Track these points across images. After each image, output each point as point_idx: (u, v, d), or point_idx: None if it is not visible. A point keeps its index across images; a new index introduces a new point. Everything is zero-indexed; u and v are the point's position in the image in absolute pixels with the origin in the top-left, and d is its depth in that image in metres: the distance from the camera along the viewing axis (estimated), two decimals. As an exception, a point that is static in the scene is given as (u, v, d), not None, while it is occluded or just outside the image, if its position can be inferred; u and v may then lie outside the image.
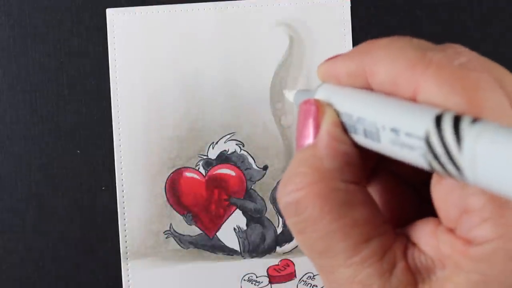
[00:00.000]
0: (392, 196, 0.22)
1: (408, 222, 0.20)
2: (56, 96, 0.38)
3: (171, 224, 0.38)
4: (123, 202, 0.37)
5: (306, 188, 0.19)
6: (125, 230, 0.37)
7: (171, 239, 0.38)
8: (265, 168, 0.38)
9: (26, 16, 0.38)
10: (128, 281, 0.37)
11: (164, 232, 0.38)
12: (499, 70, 0.18)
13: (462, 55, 0.18)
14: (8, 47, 0.38)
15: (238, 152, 0.38)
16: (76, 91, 0.38)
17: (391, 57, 0.18)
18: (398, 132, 0.17)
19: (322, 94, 0.21)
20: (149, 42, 0.38)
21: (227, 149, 0.38)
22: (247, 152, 0.38)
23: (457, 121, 0.15)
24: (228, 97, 0.38)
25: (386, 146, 0.18)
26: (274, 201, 0.38)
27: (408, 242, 0.19)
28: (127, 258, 0.37)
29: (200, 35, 0.38)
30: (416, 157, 0.17)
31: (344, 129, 0.20)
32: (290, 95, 0.26)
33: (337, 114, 0.20)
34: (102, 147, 0.38)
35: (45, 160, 0.38)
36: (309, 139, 0.20)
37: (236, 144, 0.38)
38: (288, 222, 0.20)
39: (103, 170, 0.38)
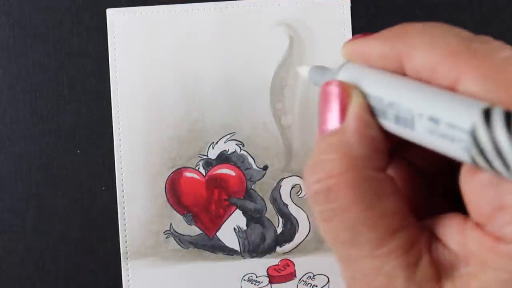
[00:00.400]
0: (405, 184, 0.22)
1: (421, 212, 0.19)
2: (56, 96, 0.38)
3: (171, 224, 0.38)
4: (123, 202, 0.37)
5: (337, 176, 0.18)
6: (125, 230, 0.37)
7: (171, 239, 0.38)
8: (265, 168, 0.38)
9: (26, 16, 0.38)
10: (128, 281, 0.37)
11: (164, 232, 0.38)
12: None
13: (506, 49, 0.17)
14: (8, 47, 0.38)
15: (238, 152, 0.38)
16: (76, 91, 0.38)
17: (432, 43, 0.18)
18: (438, 121, 0.16)
19: (346, 74, 0.20)
20: (149, 42, 0.38)
21: (227, 149, 0.38)
22: (247, 152, 0.38)
23: (508, 117, 0.15)
24: (228, 97, 0.38)
25: (421, 134, 0.17)
26: (274, 201, 0.38)
27: (432, 237, 0.19)
28: (127, 258, 0.37)
29: (200, 35, 0.38)
30: (456, 149, 0.16)
31: (372, 113, 0.19)
32: (304, 71, 0.24)
33: (365, 96, 0.19)
34: (102, 147, 0.38)
35: (45, 160, 0.38)
36: (334, 123, 0.19)
37: (236, 144, 0.38)
38: (314, 209, 0.19)
39: (103, 170, 0.38)
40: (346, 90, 0.19)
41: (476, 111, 0.16)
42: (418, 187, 0.22)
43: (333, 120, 0.19)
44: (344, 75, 0.20)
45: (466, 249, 0.17)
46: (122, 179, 0.37)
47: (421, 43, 0.18)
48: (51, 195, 0.38)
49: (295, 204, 0.38)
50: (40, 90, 0.38)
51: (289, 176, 0.38)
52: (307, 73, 0.24)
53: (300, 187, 0.38)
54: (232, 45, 0.38)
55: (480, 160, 0.16)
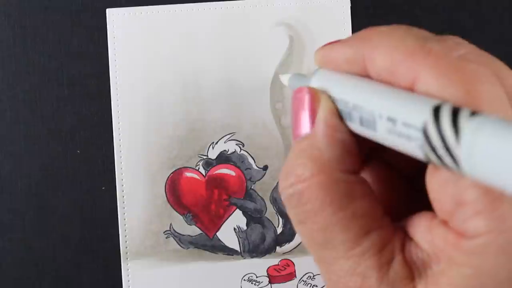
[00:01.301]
0: (384, 186, 0.22)
1: (401, 213, 0.20)
2: (56, 96, 0.38)
3: (171, 224, 0.38)
4: (123, 202, 0.37)
5: (307, 180, 0.19)
6: (125, 230, 0.37)
7: (171, 239, 0.38)
8: (265, 168, 0.38)
9: (26, 16, 0.38)
10: (128, 281, 0.37)
11: (164, 232, 0.38)
12: (497, 63, 0.18)
13: (462, 46, 0.18)
14: (8, 47, 0.38)
15: (238, 152, 0.38)
16: (76, 91, 0.38)
17: (390, 45, 0.18)
18: (395, 121, 0.17)
19: (318, 79, 0.21)
20: (149, 42, 0.38)
21: (227, 149, 0.38)
22: (247, 152, 0.38)
23: (455, 113, 0.15)
24: (228, 97, 0.38)
25: (382, 135, 0.18)
26: (274, 201, 0.38)
27: (406, 236, 0.19)
28: (127, 258, 0.37)
29: (200, 35, 0.38)
30: (413, 147, 0.17)
31: (340, 117, 0.19)
32: (284, 79, 0.26)
33: (333, 101, 0.20)
34: (102, 147, 0.38)
35: (45, 160, 0.38)
36: (305, 129, 0.20)
37: (236, 144, 0.38)
38: (289, 213, 0.20)
39: (103, 170, 0.38)
40: (315, 96, 0.20)
41: (427, 108, 0.16)
42: (399, 188, 0.22)
43: (304, 125, 0.20)
44: (316, 81, 0.21)
45: (435, 246, 0.18)
46: (122, 179, 0.37)
47: (381, 46, 0.18)
48: (51, 195, 0.38)
49: (295, 204, 0.38)
50: (40, 90, 0.38)
51: (289, 176, 0.38)
52: (287, 81, 0.25)
53: (300, 187, 0.38)
54: (232, 45, 0.38)
55: (432, 157, 0.16)
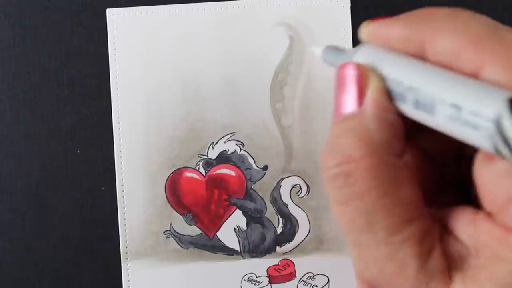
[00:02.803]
0: (418, 173, 0.21)
1: (431, 202, 0.19)
2: (56, 96, 0.38)
3: (171, 224, 0.38)
4: (123, 202, 0.37)
5: (357, 161, 0.18)
6: (125, 230, 0.37)
7: (171, 239, 0.38)
8: (265, 168, 0.38)
9: (26, 16, 0.38)
10: (128, 281, 0.37)
11: (164, 232, 0.38)
12: None
13: None
14: (8, 47, 0.38)
15: (238, 152, 0.38)
16: (76, 91, 0.38)
17: (456, 28, 0.17)
18: (461, 108, 0.16)
19: (363, 56, 0.20)
20: (149, 42, 0.38)
21: (227, 149, 0.38)
22: (247, 152, 0.38)
23: None
24: (228, 97, 0.38)
25: (441, 120, 0.17)
26: (274, 201, 0.38)
27: (443, 228, 0.18)
28: (127, 258, 0.37)
29: (200, 35, 0.38)
30: (479, 137, 0.16)
31: (390, 97, 0.19)
32: (317, 50, 0.23)
33: (383, 80, 0.19)
34: (102, 147, 0.38)
35: (45, 160, 0.38)
36: (351, 107, 0.19)
37: (236, 144, 0.38)
38: (330, 193, 0.19)
39: (103, 170, 0.38)
40: (363, 73, 0.19)
41: (502, 99, 0.15)
42: (427, 176, 0.21)
43: (350, 104, 0.19)
44: (361, 57, 0.20)
45: (477, 241, 0.17)
46: (122, 179, 0.37)
47: (446, 28, 0.18)
48: (51, 195, 0.38)
49: (295, 204, 0.38)
50: (40, 90, 0.38)
51: (289, 176, 0.38)
52: (321, 53, 0.23)
53: (300, 187, 0.38)
54: (232, 45, 0.38)
55: (503, 149, 0.16)
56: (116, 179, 0.37)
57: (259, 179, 0.38)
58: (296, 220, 0.38)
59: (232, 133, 0.38)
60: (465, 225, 0.18)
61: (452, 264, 0.18)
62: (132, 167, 0.37)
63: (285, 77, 0.38)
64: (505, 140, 0.15)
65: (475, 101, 0.16)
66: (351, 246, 0.19)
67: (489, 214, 0.17)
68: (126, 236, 0.37)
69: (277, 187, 0.38)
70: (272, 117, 0.38)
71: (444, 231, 0.18)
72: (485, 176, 0.17)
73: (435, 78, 0.17)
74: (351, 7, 0.38)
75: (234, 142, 0.38)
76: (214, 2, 0.38)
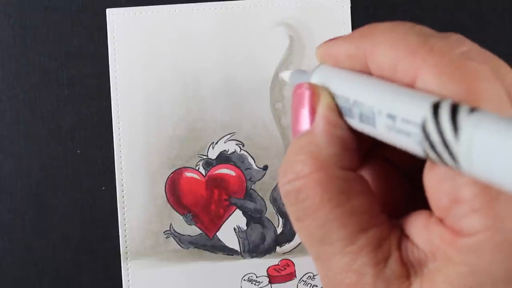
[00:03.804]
0: (383, 183, 0.22)
1: (399, 211, 0.20)
2: (56, 96, 0.38)
3: (171, 224, 0.38)
4: (123, 202, 0.37)
5: (306, 177, 0.19)
6: (125, 230, 0.37)
7: (171, 239, 0.38)
8: (265, 168, 0.38)
9: (26, 16, 0.38)
10: (128, 281, 0.37)
11: (164, 232, 0.38)
12: (498, 61, 0.18)
13: (463, 44, 0.18)
14: (8, 47, 0.38)
15: (238, 152, 0.38)
16: (76, 91, 0.38)
17: (392, 41, 0.18)
18: (394, 118, 0.17)
19: (319, 75, 0.21)
20: (149, 42, 0.38)
21: (227, 149, 0.38)
22: (247, 152, 0.38)
23: (454, 109, 0.15)
24: (228, 97, 0.38)
25: (381, 131, 0.18)
26: (274, 201, 0.38)
27: (402, 234, 0.19)
28: (127, 258, 0.37)
29: (200, 35, 0.38)
30: (412, 143, 0.17)
31: (340, 113, 0.19)
32: (285, 75, 0.25)
33: (333, 97, 0.20)
34: (102, 147, 0.38)
35: (45, 160, 0.38)
36: (305, 125, 0.20)
37: (236, 144, 0.38)
38: (287, 209, 0.20)
39: (103, 170, 0.38)
40: (314, 92, 0.20)
41: (427, 105, 0.16)
42: (398, 185, 0.22)
43: (304, 122, 0.20)
44: (316, 77, 0.21)
45: (431, 245, 0.18)
46: (122, 179, 0.37)
47: (384, 42, 0.18)
48: (51, 195, 0.38)
49: (295, 204, 0.38)
50: (40, 90, 0.38)
51: (289, 176, 0.38)
52: (288, 77, 0.25)
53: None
54: (232, 45, 0.38)
55: (431, 153, 0.16)
56: (116, 179, 0.37)
57: (259, 179, 0.38)
58: (296, 220, 0.38)
59: (232, 133, 0.38)
60: (420, 230, 0.18)
61: (411, 269, 0.18)
62: (132, 167, 0.37)
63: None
64: (431, 145, 0.16)
65: (405, 109, 0.17)
66: (314, 259, 0.20)
67: (440, 219, 0.18)
68: (126, 236, 0.37)
69: (277, 187, 0.38)
70: (272, 117, 0.38)
71: (403, 237, 0.19)
72: (430, 182, 0.18)
73: (373, 91, 0.18)
74: (351, 7, 0.38)
75: (234, 142, 0.38)
76: (214, 2, 0.38)
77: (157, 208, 0.38)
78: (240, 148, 0.38)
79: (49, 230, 0.38)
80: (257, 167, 0.38)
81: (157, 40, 0.38)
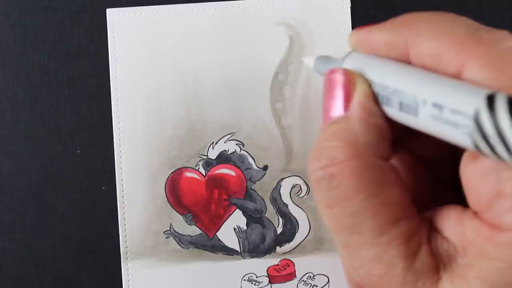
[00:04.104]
0: (407, 175, 0.22)
1: (422, 204, 0.20)
2: (56, 96, 0.38)
3: (171, 224, 0.38)
4: (123, 202, 0.37)
5: (341, 164, 0.18)
6: (125, 230, 0.37)
7: (171, 239, 0.38)
8: (265, 168, 0.38)
9: (26, 16, 0.38)
10: (128, 281, 0.37)
11: (164, 232, 0.38)
12: None
13: (511, 38, 0.17)
14: (8, 47, 0.38)
15: (238, 152, 0.38)
16: (76, 91, 0.38)
17: (437, 31, 0.18)
18: (442, 107, 0.17)
19: (351, 63, 0.20)
20: (149, 42, 0.38)
21: (227, 149, 0.38)
22: (247, 152, 0.38)
23: (511, 102, 0.15)
24: (228, 97, 0.38)
25: (424, 121, 0.17)
26: (274, 201, 0.38)
27: (432, 228, 0.19)
28: (127, 258, 0.37)
29: (200, 35, 0.38)
30: (459, 135, 0.16)
31: (376, 101, 0.19)
32: (309, 61, 0.24)
33: (370, 84, 0.19)
34: (102, 147, 0.38)
35: (45, 160, 0.38)
36: (338, 111, 0.19)
37: (236, 144, 0.38)
38: (317, 195, 0.19)
39: (103, 170, 0.38)
40: (350, 78, 0.19)
41: (480, 97, 0.16)
42: (421, 178, 0.22)
43: (337, 108, 0.20)
44: (349, 64, 0.20)
45: (464, 239, 0.18)
46: (122, 179, 0.37)
47: (427, 31, 0.18)
48: (51, 195, 0.38)
49: (295, 204, 0.38)
50: (40, 90, 0.38)
51: (289, 176, 0.38)
52: (312, 63, 0.24)
53: (300, 187, 0.38)
54: (232, 45, 0.38)
55: (482, 145, 0.16)
56: (116, 179, 0.37)
57: (259, 179, 0.38)
58: (296, 220, 0.38)
59: (232, 133, 0.38)
60: (452, 224, 0.18)
61: (440, 263, 0.18)
62: (132, 167, 0.37)
63: (285, 77, 0.38)
64: (484, 137, 0.16)
65: (455, 100, 0.16)
66: (340, 248, 0.19)
67: (476, 213, 0.17)
68: (126, 236, 0.37)
69: (277, 187, 0.38)
70: (272, 117, 0.38)
71: (433, 231, 0.19)
72: (470, 175, 0.17)
73: (417, 80, 0.18)
74: (351, 7, 0.38)
75: (234, 142, 0.38)
76: (214, 2, 0.38)
77: (157, 208, 0.38)
78: (240, 148, 0.38)
79: (49, 230, 0.38)
80: (257, 167, 0.38)
81: (157, 40, 0.38)
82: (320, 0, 0.38)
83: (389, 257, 0.18)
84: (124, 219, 0.37)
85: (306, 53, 0.38)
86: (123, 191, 0.37)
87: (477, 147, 0.16)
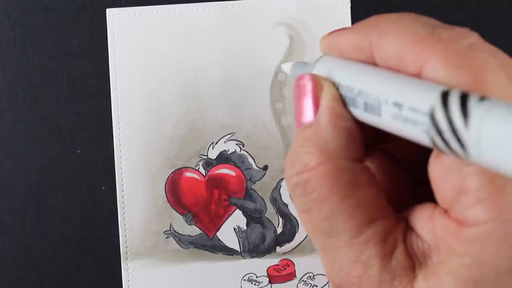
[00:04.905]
0: (384, 176, 0.22)
1: (401, 204, 0.20)
2: (56, 96, 0.38)
3: (171, 224, 0.38)
4: (123, 202, 0.37)
5: (314, 169, 0.19)
6: (125, 230, 0.37)
7: (171, 239, 0.38)
8: (265, 168, 0.38)
9: (26, 16, 0.38)
10: (128, 281, 0.37)
11: (164, 232, 0.38)
12: (503, 55, 0.18)
13: (471, 36, 0.18)
14: (8, 47, 0.38)
15: (238, 152, 0.38)
16: (76, 91, 0.38)
17: (399, 32, 0.18)
18: (401, 106, 0.17)
19: (322, 67, 0.21)
20: (149, 42, 0.38)
21: (227, 149, 0.38)
22: (247, 152, 0.38)
23: (464, 98, 0.15)
24: (228, 97, 0.38)
25: (387, 120, 0.18)
26: (274, 201, 0.38)
27: (407, 227, 0.19)
28: (127, 258, 0.37)
29: (200, 35, 0.38)
30: (418, 132, 0.17)
31: (344, 103, 0.19)
32: (286, 67, 0.25)
33: (337, 88, 0.20)
34: (102, 147, 0.38)
35: (45, 160, 0.38)
36: (308, 116, 0.20)
37: (236, 144, 0.38)
38: (294, 202, 0.20)
39: (103, 170, 0.38)
40: (317, 83, 0.20)
41: (435, 93, 0.16)
42: (398, 179, 0.22)
43: (307, 113, 0.20)
44: (320, 68, 0.21)
45: (435, 236, 0.18)
46: (122, 179, 0.37)
47: (390, 32, 0.18)
48: (51, 195, 0.38)
49: (295, 204, 0.38)
50: (40, 90, 0.38)
51: (289, 176, 0.38)
52: (289, 69, 0.25)
53: (300, 187, 0.38)
54: (232, 45, 0.38)
55: (438, 141, 0.16)
56: (116, 179, 0.37)
57: (259, 179, 0.38)
58: (296, 220, 0.38)
59: (232, 133, 0.38)
60: (424, 222, 0.18)
61: (415, 261, 0.18)
62: (132, 167, 0.37)
63: (285, 77, 0.38)
64: (439, 133, 0.16)
65: (413, 98, 0.17)
66: (319, 252, 0.20)
67: (444, 210, 0.18)
68: (126, 236, 0.37)
69: (277, 187, 0.38)
70: (272, 117, 0.38)
71: (408, 230, 0.19)
72: (435, 173, 0.18)
73: (378, 80, 0.18)
74: (351, 7, 0.38)
75: (234, 142, 0.38)
76: (214, 2, 0.38)
77: (157, 208, 0.38)
78: (240, 148, 0.38)
79: (49, 230, 0.38)
80: (257, 167, 0.38)
81: (157, 40, 0.38)
82: (320, 0, 0.38)
83: (366, 257, 0.18)
84: (124, 219, 0.37)
85: (306, 53, 0.38)
86: (123, 191, 0.37)
87: (434, 144, 0.16)
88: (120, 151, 0.38)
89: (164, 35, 0.38)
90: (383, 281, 0.18)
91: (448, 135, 0.16)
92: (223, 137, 0.38)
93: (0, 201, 0.38)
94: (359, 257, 0.18)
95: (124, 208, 0.37)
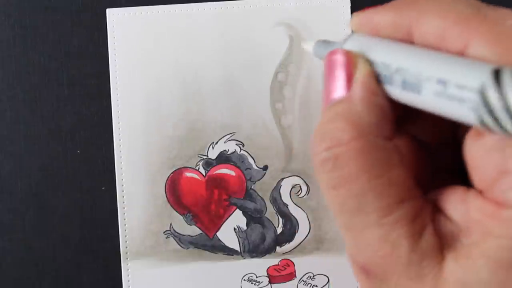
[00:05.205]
0: (407, 158, 0.21)
1: (422, 187, 0.19)
2: (56, 96, 0.38)
3: (171, 224, 0.38)
4: (123, 202, 0.37)
5: (346, 144, 0.18)
6: (125, 230, 0.37)
7: (171, 239, 0.38)
8: (265, 168, 0.38)
9: (26, 16, 0.38)
10: (128, 281, 0.37)
11: (164, 232, 0.38)
12: None
13: None
14: (8, 47, 0.38)
15: (238, 152, 0.38)
16: (76, 91, 0.38)
17: (441, 10, 0.18)
18: (446, 83, 0.17)
19: (352, 44, 0.20)
20: (149, 42, 0.38)
21: (227, 149, 0.38)
22: (247, 152, 0.38)
23: None
24: (228, 97, 0.38)
25: (428, 98, 0.17)
26: (274, 201, 0.38)
27: (435, 209, 0.19)
28: (127, 258, 0.37)
29: (200, 35, 0.38)
30: (464, 110, 0.16)
31: (378, 80, 0.19)
32: (308, 46, 0.24)
33: (371, 64, 0.19)
34: (102, 147, 0.38)
35: (45, 160, 0.38)
36: (340, 92, 0.19)
37: (236, 144, 0.38)
38: (320, 178, 0.19)
39: (103, 170, 0.38)
40: (351, 58, 0.19)
41: (486, 71, 0.16)
42: (421, 161, 0.22)
43: (339, 89, 0.19)
44: (350, 46, 0.20)
45: (468, 218, 0.17)
46: (122, 179, 0.37)
47: (430, 10, 0.18)
48: (51, 195, 0.38)
49: (295, 204, 0.38)
50: (40, 90, 0.38)
51: (289, 176, 0.38)
52: (312, 48, 0.24)
53: (300, 187, 0.38)
54: (232, 45, 0.38)
55: (488, 120, 0.16)
56: (116, 179, 0.37)
57: (259, 179, 0.38)
58: (296, 220, 0.38)
59: (232, 133, 0.38)
60: (456, 204, 0.18)
61: (444, 243, 0.18)
62: (132, 167, 0.37)
63: (285, 77, 0.38)
64: (490, 111, 0.16)
65: (461, 75, 0.16)
66: (344, 231, 0.19)
67: (480, 191, 0.17)
68: (126, 236, 0.37)
69: (277, 187, 0.38)
70: (272, 117, 0.38)
71: (436, 212, 0.19)
72: (475, 153, 0.17)
73: (420, 57, 0.18)
74: (351, 7, 0.38)
75: (234, 142, 0.38)
76: (214, 2, 0.38)
77: (157, 208, 0.38)
78: (240, 148, 0.38)
79: (49, 230, 0.38)
80: (257, 167, 0.38)
81: (157, 40, 0.38)
82: (320, 0, 0.38)
83: (395, 238, 0.18)
84: (124, 219, 0.37)
85: (306, 53, 0.38)
86: (123, 191, 0.37)
87: (482, 122, 0.16)
88: (120, 151, 0.37)
89: (164, 35, 0.38)
90: (412, 262, 0.18)
91: (501, 113, 0.15)
92: (223, 137, 0.38)
93: (0, 201, 0.38)
94: (388, 237, 0.18)
95: (124, 208, 0.37)
